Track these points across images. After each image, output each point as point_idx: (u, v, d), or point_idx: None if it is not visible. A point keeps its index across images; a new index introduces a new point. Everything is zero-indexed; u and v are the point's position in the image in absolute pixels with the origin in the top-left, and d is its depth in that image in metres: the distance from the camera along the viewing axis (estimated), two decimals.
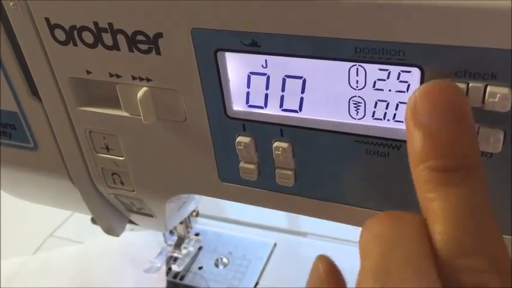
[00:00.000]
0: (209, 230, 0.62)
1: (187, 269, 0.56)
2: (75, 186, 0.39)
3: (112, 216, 0.42)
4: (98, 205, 0.40)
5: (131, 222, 0.44)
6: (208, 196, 0.34)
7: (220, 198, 0.33)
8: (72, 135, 0.35)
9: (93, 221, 0.50)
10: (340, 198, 0.29)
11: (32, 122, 0.36)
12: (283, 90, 0.27)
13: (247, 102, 0.29)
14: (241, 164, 0.30)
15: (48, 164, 0.38)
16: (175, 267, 0.55)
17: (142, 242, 0.58)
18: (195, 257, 0.57)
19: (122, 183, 0.36)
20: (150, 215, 0.39)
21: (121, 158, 0.35)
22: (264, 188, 0.31)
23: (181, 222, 0.55)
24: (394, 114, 0.25)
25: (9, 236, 0.65)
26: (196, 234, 0.60)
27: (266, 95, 0.28)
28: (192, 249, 0.57)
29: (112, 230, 0.43)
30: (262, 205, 0.32)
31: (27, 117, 0.36)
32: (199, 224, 0.61)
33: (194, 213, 0.52)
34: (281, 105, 0.28)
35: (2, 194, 0.63)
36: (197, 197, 0.42)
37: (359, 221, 0.29)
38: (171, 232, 0.56)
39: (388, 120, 0.26)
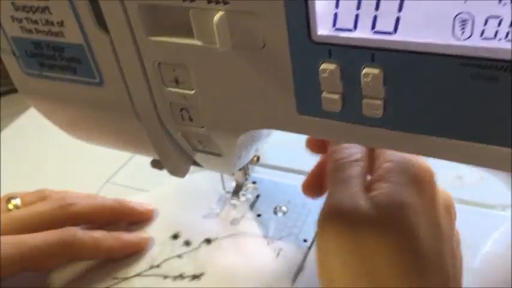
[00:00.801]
0: (266, 178, 0.60)
1: (245, 216, 0.56)
2: (141, 124, 0.38)
3: (178, 155, 0.41)
4: (163, 144, 0.39)
5: (195, 164, 0.43)
6: (284, 131, 0.32)
7: (298, 133, 0.31)
8: (140, 68, 0.34)
9: (153, 164, 0.49)
10: (435, 130, 0.27)
11: (98, 55, 0.35)
12: (376, 9, 0.25)
13: (334, 24, 0.26)
14: (324, 94, 0.28)
15: (114, 100, 0.37)
16: (233, 214, 0.54)
17: (200, 189, 0.57)
18: (253, 205, 0.56)
19: (191, 119, 0.35)
20: (218, 154, 0.38)
21: (191, 92, 0.33)
22: (347, 121, 0.29)
23: (240, 169, 0.54)
24: (507, 33, 0.23)
25: (65, 184, 0.65)
26: (253, 183, 0.59)
27: (356, 16, 0.25)
28: (250, 196, 0.56)
29: (177, 171, 0.42)
30: (344, 139, 0.30)
31: (93, 50, 0.35)
32: (255, 173, 0.60)
33: (255, 158, 0.51)
34: (373, 27, 0.25)
35: (54, 140, 0.63)
36: (266, 134, 0.40)
37: (453, 155, 0.27)
38: (230, 178, 0.55)
39: (500, 39, 0.23)
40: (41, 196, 0.52)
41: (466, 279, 0.39)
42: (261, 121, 0.32)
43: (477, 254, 0.45)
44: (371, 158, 0.37)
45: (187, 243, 0.51)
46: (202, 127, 0.35)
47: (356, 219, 0.33)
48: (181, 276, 0.48)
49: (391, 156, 0.35)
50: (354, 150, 0.37)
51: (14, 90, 0.43)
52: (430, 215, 0.33)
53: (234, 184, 0.55)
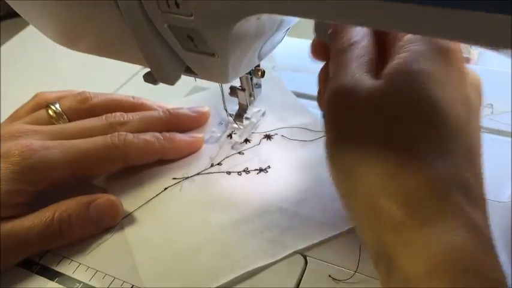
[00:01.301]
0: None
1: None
2: (124, 18, 0.33)
3: (166, 58, 0.35)
4: (149, 43, 0.34)
5: (188, 71, 0.38)
6: (287, 15, 0.26)
7: (299, 16, 0.26)
8: None
9: (146, 78, 0.44)
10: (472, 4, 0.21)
11: None
12: None
13: None
14: None
15: None
16: (236, 138, 0.49)
17: None
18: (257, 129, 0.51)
19: (177, 5, 0.29)
20: (211, 54, 0.33)
21: None
22: None
23: (243, 89, 0.48)
24: None
25: None
26: None
27: None
28: (254, 120, 0.51)
29: (167, 77, 0.36)
30: (363, 22, 0.24)
31: None
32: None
33: (259, 73, 0.45)
34: None
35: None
36: (265, 35, 0.35)
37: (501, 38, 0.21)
38: (233, 100, 0.49)
39: None
40: (82, 99, 0.46)
41: (496, 212, 0.34)
42: (256, 4, 0.27)
43: (508, 187, 0.39)
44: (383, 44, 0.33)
45: (246, 140, 0.49)
46: (191, 15, 0.30)
47: (363, 102, 0.29)
48: (246, 171, 0.45)
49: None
50: (357, 32, 0.33)
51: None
52: (458, 85, 0.29)
53: (237, 107, 0.50)
